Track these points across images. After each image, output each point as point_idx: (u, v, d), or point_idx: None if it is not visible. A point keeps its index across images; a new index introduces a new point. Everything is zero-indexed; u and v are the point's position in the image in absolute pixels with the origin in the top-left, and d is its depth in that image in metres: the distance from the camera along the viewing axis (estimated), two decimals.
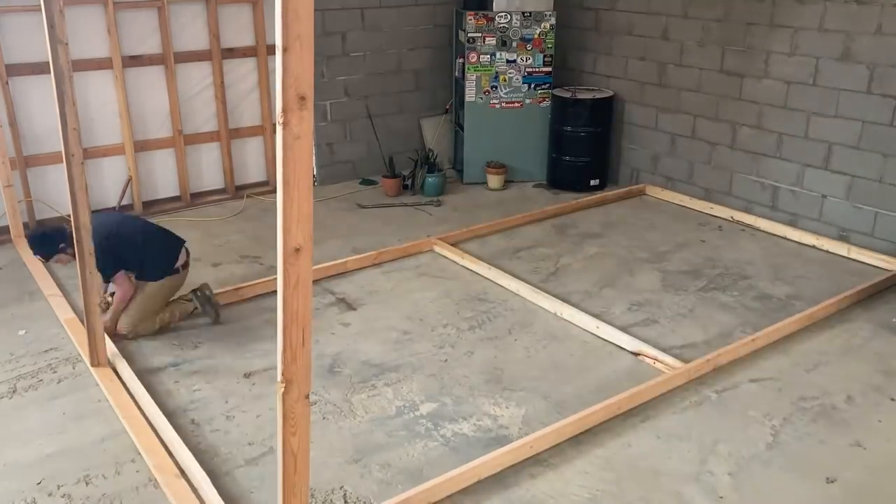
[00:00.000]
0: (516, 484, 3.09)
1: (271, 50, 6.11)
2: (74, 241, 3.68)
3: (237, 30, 6.14)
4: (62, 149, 3.53)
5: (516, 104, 6.64)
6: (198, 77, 6.08)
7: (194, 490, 3.02)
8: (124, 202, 5.97)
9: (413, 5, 6.70)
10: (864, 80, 5.03)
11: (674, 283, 4.88)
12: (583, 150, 6.54)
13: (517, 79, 6.58)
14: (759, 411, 3.57)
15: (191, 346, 4.15)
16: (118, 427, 3.44)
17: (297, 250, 1.72)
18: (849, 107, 5.13)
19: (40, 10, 3.39)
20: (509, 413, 3.55)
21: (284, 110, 1.59)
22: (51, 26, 3.36)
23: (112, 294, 4.19)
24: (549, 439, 3.27)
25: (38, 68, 5.27)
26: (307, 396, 1.85)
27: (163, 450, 3.26)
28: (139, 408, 3.54)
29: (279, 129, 1.62)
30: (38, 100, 5.37)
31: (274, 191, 6.14)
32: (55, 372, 3.87)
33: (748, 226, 5.70)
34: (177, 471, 3.14)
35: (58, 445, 3.33)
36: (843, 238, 5.33)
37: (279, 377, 1.80)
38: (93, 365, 3.85)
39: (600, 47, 6.71)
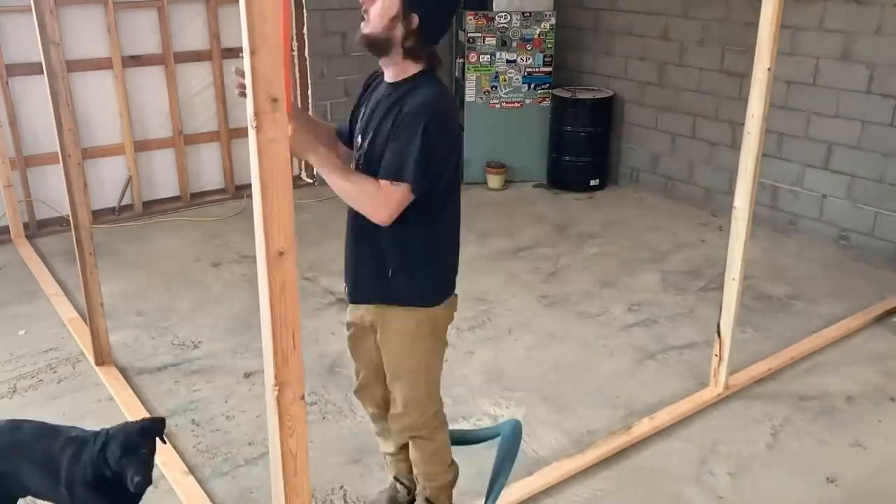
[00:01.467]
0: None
1: None
2: (75, 241, 3.68)
3: (237, 30, 6.13)
4: (58, 149, 3.53)
5: (516, 104, 6.64)
6: (198, 77, 6.07)
7: (203, 487, 3.04)
8: (124, 202, 5.97)
9: None
10: (864, 80, 5.02)
11: (674, 283, 4.88)
12: (583, 150, 6.54)
13: (517, 79, 6.58)
14: (759, 411, 3.57)
15: (191, 346, 4.15)
16: None
17: (281, 254, 1.71)
18: (849, 107, 5.13)
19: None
20: (509, 413, 3.55)
21: (257, 113, 1.59)
22: (41, 26, 3.35)
23: None
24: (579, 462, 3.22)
25: (38, 68, 5.21)
26: (303, 398, 1.84)
27: (170, 447, 3.26)
28: (145, 406, 3.55)
29: (252, 132, 1.61)
30: (38, 100, 5.36)
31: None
32: (55, 372, 3.87)
33: None
34: (185, 468, 3.15)
35: None
36: (843, 238, 5.33)
37: (272, 381, 1.79)
38: (97, 364, 3.86)
39: (600, 47, 6.71)
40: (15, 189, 5.48)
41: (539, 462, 3.22)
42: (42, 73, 3.48)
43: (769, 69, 3.17)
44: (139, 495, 2.42)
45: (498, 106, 6.62)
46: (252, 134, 1.64)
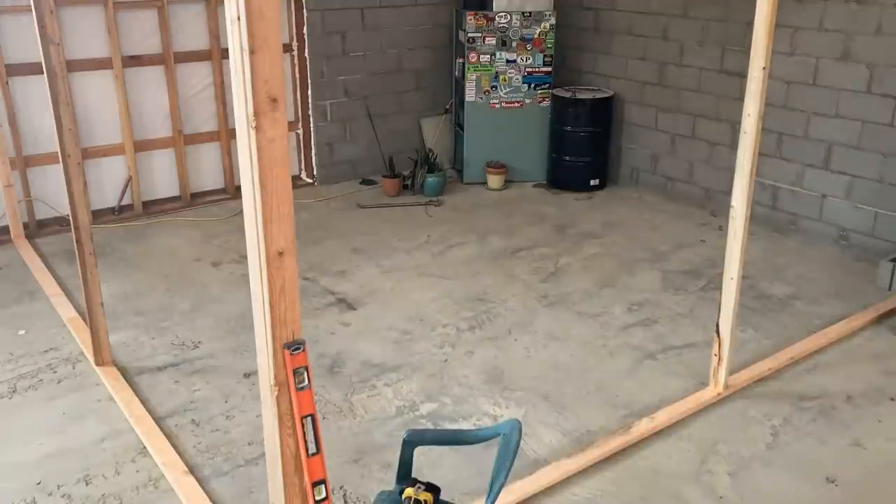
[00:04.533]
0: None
1: None
2: (75, 241, 3.68)
3: None
4: (58, 149, 3.53)
5: (516, 104, 6.64)
6: (198, 77, 6.07)
7: (203, 487, 3.05)
8: (124, 202, 5.97)
9: (413, 5, 6.70)
10: (864, 80, 5.02)
11: (674, 283, 4.88)
12: (583, 150, 6.53)
13: (517, 79, 6.58)
14: (759, 411, 3.57)
15: (191, 346, 4.15)
16: (118, 427, 3.44)
17: (281, 254, 1.72)
18: (849, 107, 5.13)
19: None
20: (509, 413, 3.55)
21: (256, 114, 1.58)
22: (41, 26, 3.35)
23: None
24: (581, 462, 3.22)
25: (38, 68, 5.21)
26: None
27: (170, 447, 3.26)
28: (145, 406, 3.56)
29: (251, 132, 1.60)
30: (39, 100, 5.36)
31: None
32: (55, 372, 3.87)
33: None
34: (185, 468, 3.15)
35: (58, 445, 3.33)
36: (843, 238, 5.33)
37: (271, 381, 1.80)
38: (97, 364, 3.86)
39: (600, 47, 6.71)
40: (15, 189, 5.48)
41: (539, 462, 3.22)
42: (42, 73, 3.48)
43: (764, 68, 3.18)
44: None
45: (498, 106, 6.62)
46: (244, 134, 1.63)
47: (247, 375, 3.85)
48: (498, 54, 6.49)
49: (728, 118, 5.84)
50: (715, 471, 3.18)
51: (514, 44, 6.48)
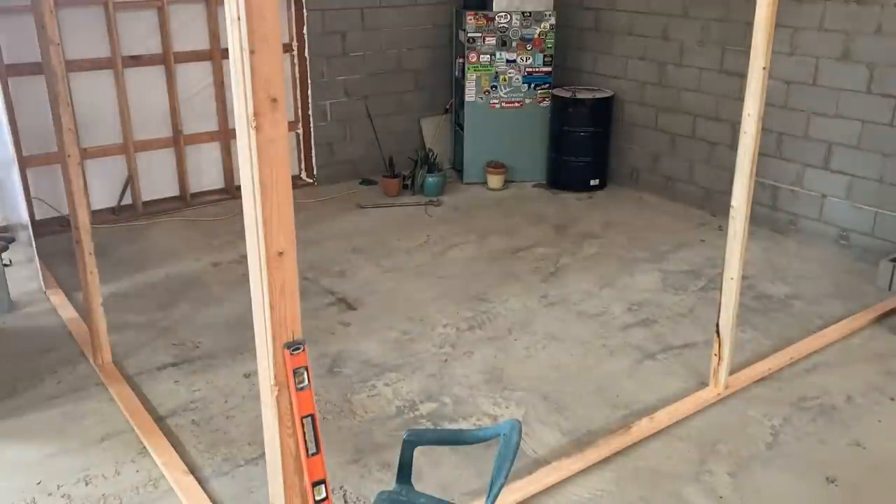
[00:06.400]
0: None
1: None
2: (75, 241, 3.68)
3: None
4: (58, 149, 3.53)
5: (516, 104, 6.64)
6: (198, 77, 6.07)
7: (203, 487, 3.05)
8: (124, 202, 5.97)
9: (413, 5, 6.70)
10: (864, 80, 5.02)
11: (674, 283, 4.88)
12: (583, 150, 6.53)
13: (517, 79, 6.58)
14: (759, 411, 3.57)
15: (191, 346, 4.15)
16: (118, 427, 3.44)
17: (281, 254, 1.72)
18: (849, 107, 5.13)
19: None
20: (509, 413, 3.55)
21: (256, 114, 1.58)
22: (41, 26, 3.35)
23: None
24: (579, 464, 3.22)
25: (38, 68, 5.24)
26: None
27: (170, 447, 3.26)
28: (145, 406, 3.56)
29: (251, 132, 1.60)
30: (39, 100, 5.36)
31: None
32: (55, 372, 3.87)
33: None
34: (185, 468, 3.15)
35: (58, 445, 3.33)
36: (843, 238, 5.33)
37: (271, 381, 1.80)
38: (97, 364, 3.86)
39: (600, 47, 6.71)
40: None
41: (539, 462, 3.22)
42: (42, 73, 3.48)
43: (764, 68, 3.18)
44: None
45: (498, 106, 6.62)
46: (244, 133, 1.63)
47: (247, 375, 3.85)
48: (498, 54, 6.49)
49: (728, 118, 5.84)
50: (715, 471, 3.18)
51: (514, 44, 6.48)
